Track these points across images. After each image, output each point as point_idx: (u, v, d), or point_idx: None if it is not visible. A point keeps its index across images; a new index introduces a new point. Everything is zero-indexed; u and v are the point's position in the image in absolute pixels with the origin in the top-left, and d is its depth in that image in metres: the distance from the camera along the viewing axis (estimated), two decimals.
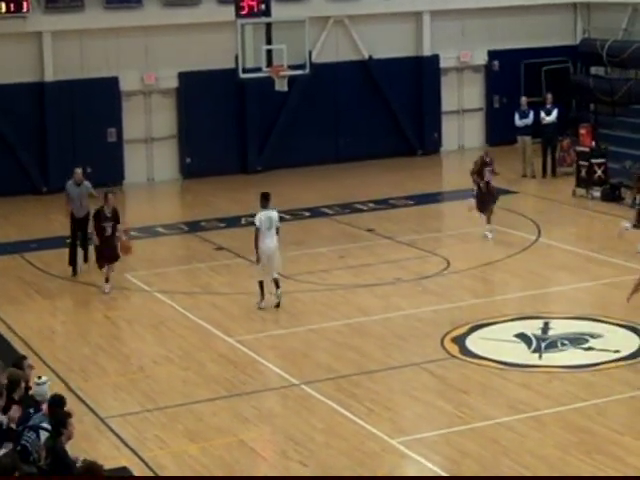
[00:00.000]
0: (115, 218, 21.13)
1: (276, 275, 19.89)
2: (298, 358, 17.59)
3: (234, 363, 17.47)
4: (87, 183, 23.20)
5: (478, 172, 24.19)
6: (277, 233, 20.04)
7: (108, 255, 21.09)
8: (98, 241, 21.05)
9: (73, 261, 22.60)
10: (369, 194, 28.87)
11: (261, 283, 19.83)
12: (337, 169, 31.71)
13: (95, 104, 29.95)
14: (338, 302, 20.38)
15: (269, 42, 30.75)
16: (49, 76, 29.76)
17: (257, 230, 19.96)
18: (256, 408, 15.76)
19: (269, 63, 30.16)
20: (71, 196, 22.99)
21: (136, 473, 13.67)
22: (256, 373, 17.04)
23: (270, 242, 19.87)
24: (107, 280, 21.07)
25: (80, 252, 22.80)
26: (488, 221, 24.27)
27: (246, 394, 16.19)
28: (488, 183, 24.12)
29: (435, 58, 34.02)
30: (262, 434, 15.14)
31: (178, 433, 15.19)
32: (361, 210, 27.63)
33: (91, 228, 21.47)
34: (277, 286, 19.80)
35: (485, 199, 24.16)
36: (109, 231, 20.96)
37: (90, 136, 29.98)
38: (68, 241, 23.09)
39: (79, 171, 23.40)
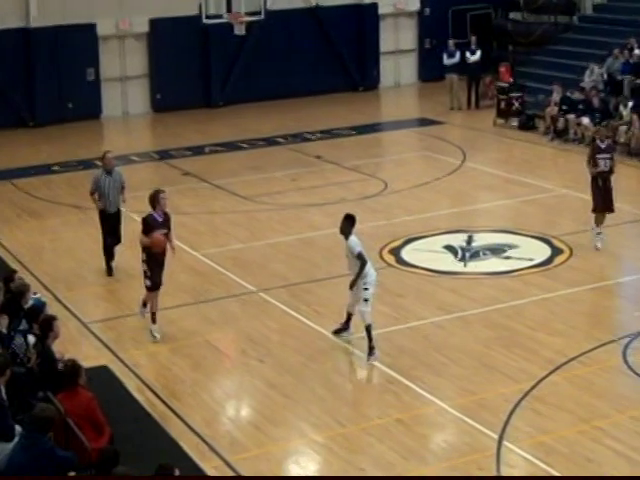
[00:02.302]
0: (168, 225, 14.72)
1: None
2: (256, 269, 17.51)
3: (200, 274, 17.37)
4: (119, 171, 17.43)
5: None
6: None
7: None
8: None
9: (109, 260, 17.24)
10: (317, 125, 28.68)
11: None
12: (289, 103, 31.33)
13: (75, 47, 29.45)
14: (291, 220, 20.29)
15: None
16: (34, 22, 29.08)
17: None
18: (219, 313, 15.72)
19: (229, 10, 29.91)
20: (102, 188, 16.87)
21: (115, 371, 13.60)
22: (219, 282, 16.93)
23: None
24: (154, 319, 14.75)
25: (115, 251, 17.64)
26: None
27: (210, 301, 16.12)
28: None
29: (374, 5, 33.62)
30: (225, 335, 15.14)
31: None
32: (310, 139, 27.41)
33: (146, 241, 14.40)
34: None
35: None
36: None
37: (71, 76, 29.50)
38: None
39: (110, 155, 17.34)
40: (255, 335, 14.74)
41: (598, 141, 17.27)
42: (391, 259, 17.71)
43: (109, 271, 17.32)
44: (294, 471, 11.40)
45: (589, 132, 25.04)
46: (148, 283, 14.53)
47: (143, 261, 14.53)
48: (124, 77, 31.03)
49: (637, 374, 13.03)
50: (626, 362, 13.37)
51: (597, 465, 11.01)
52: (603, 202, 17.33)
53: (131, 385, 13.27)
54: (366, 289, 13.66)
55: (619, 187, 21.00)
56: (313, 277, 17.01)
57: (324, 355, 14.08)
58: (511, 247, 18.04)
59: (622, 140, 24.22)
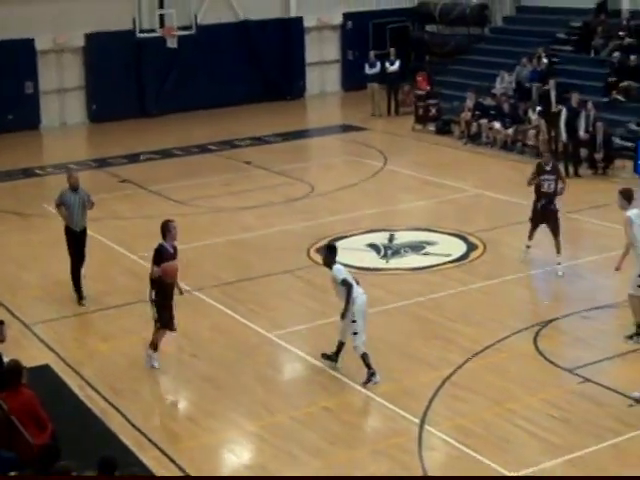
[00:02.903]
0: (176, 256, 13.50)
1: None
2: (191, 269, 17.27)
3: (137, 275, 17.09)
4: (84, 189, 16.37)
5: None
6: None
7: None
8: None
9: (77, 286, 16.00)
10: (247, 132, 28.57)
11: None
12: (221, 112, 31.20)
13: (14, 61, 29.05)
14: (224, 222, 20.21)
15: (161, 7, 30.45)
16: None
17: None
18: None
19: (161, 25, 29.84)
20: (67, 205, 15.88)
21: (57, 369, 13.43)
22: None
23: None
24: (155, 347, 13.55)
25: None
26: None
27: (147, 301, 15.91)
28: None
29: (299, 19, 33.65)
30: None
31: (92, 334, 15.00)
32: (240, 146, 27.33)
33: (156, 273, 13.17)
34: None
35: None
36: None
37: (11, 88, 29.02)
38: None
39: (75, 174, 16.56)
40: (190, 332, 14.62)
41: (543, 163, 16.53)
42: (318, 258, 17.66)
43: (80, 298, 15.85)
44: (229, 459, 11.37)
45: (500, 135, 25.40)
46: (159, 322, 13.28)
47: (152, 301, 13.27)
48: (62, 89, 30.58)
49: (547, 359, 13.21)
50: (537, 348, 13.55)
51: (511, 445, 11.16)
52: (542, 220, 16.40)
53: (72, 383, 13.10)
54: (354, 321, 12.60)
55: (526, 185, 21.31)
56: (245, 276, 16.95)
57: (256, 350, 14.05)
58: (430, 244, 18.17)
59: (531, 143, 24.57)
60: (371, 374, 12.55)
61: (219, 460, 11.36)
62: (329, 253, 13.03)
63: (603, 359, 13.19)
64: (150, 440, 11.53)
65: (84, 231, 16.06)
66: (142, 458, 11.03)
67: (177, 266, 13.24)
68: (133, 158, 26.24)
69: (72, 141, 29.73)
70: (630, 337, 13.51)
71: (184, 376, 13.48)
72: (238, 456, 11.42)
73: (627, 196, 13.73)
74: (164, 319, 13.30)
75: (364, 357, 12.60)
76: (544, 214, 16.22)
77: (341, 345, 13.03)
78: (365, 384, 12.52)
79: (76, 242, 16.01)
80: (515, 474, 10.49)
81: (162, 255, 13.10)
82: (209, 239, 19.10)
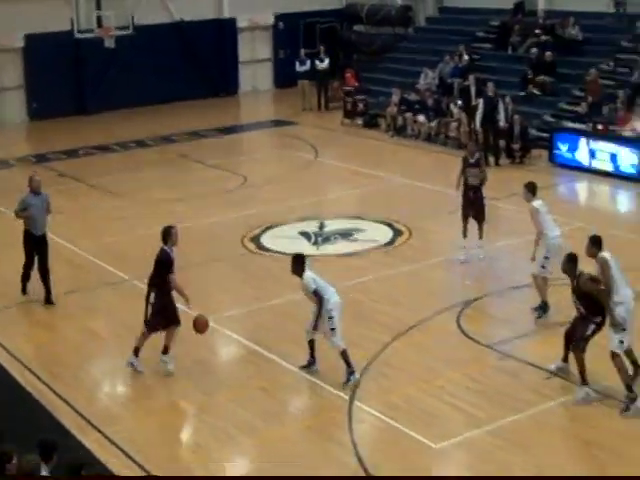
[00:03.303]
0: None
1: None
2: (129, 259, 17.21)
3: (78, 266, 17.01)
4: (45, 193, 15.56)
5: None
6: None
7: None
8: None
9: (25, 280, 15.35)
10: (183, 128, 28.36)
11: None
12: (158, 109, 30.91)
13: None
14: (160, 213, 19.91)
15: (99, 8, 30.07)
16: None
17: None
18: (96, 300, 15.42)
19: (99, 25, 29.51)
20: (31, 209, 15.03)
21: (2, 360, 13.22)
22: (96, 273, 16.60)
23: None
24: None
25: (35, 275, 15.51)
26: None
27: (88, 290, 15.79)
28: None
29: (233, 20, 33.45)
30: (102, 320, 14.80)
31: (36, 325, 14.76)
32: (177, 141, 27.12)
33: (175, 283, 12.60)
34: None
35: None
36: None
37: None
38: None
39: (37, 178, 15.53)
40: (129, 320, 14.43)
41: (468, 156, 16.26)
42: (252, 246, 17.69)
43: (24, 289, 15.34)
44: (167, 439, 11.28)
45: (424, 128, 25.57)
46: (149, 325, 12.51)
47: (150, 303, 12.48)
48: (2, 88, 30.03)
49: (469, 337, 13.35)
50: (459, 327, 13.68)
51: (436, 418, 11.26)
52: (471, 210, 16.26)
53: (14, 369, 12.91)
54: (330, 318, 11.94)
55: (449, 174, 21.47)
56: (182, 264, 16.74)
57: (193, 334, 13.89)
58: (358, 231, 18.23)
59: (453, 135, 24.79)
60: (350, 373, 11.96)
61: (158, 440, 11.25)
62: (296, 262, 12.27)
63: (520, 336, 13.36)
64: (91, 423, 11.41)
65: (44, 236, 15.27)
66: (83, 441, 10.93)
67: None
68: (72, 154, 25.88)
69: (12, 138, 29.08)
70: (538, 316, 13.72)
71: (124, 361, 13.32)
72: (176, 436, 11.36)
73: (531, 189, 13.95)
74: (165, 318, 12.48)
75: (343, 354, 11.97)
76: (472, 203, 16.22)
77: (312, 345, 12.35)
78: (345, 384, 11.89)
79: (37, 247, 15.15)
80: (439, 445, 10.60)
81: (168, 260, 12.37)
82: (147, 230, 18.76)
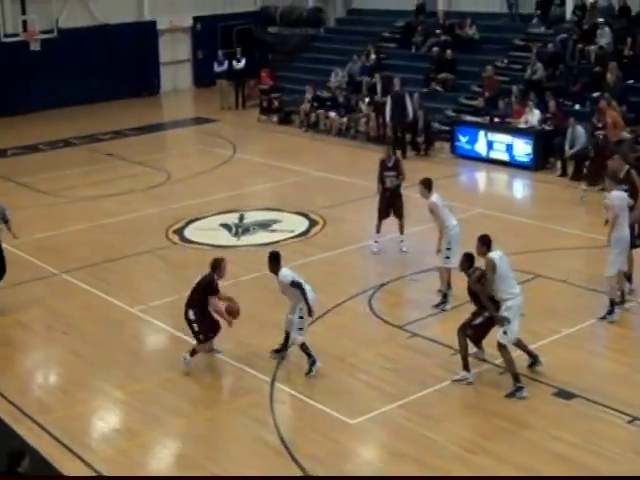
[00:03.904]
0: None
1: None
2: (58, 254, 16.92)
3: (9, 262, 16.52)
4: (2, 204, 14.88)
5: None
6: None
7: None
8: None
9: None
10: (108, 127, 27.92)
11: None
12: (83, 109, 30.34)
13: None
14: (88, 209, 19.70)
15: (24, 13, 29.36)
16: None
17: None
18: (27, 294, 15.09)
19: (25, 29, 28.83)
20: None
21: None
22: (26, 268, 16.20)
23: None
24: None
25: None
26: None
27: (20, 284, 15.43)
28: None
29: (153, 23, 33.03)
30: (34, 314, 14.46)
31: None
32: (102, 139, 26.69)
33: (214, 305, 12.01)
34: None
35: None
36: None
37: None
38: None
39: None
40: (60, 312, 14.28)
41: (385, 159, 15.97)
42: (176, 238, 17.53)
43: None
44: (98, 425, 11.12)
45: (336, 123, 25.64)
46: (202, 335, 12.05)
47: (191, 321, 11.96)
48: None
49: (380, 318, 13.47)
50: (372, 309, 13.79)
51: (351, 395, 11.32)
52: (389, 210, 16.09)
53: None
54: (301, 317, 11.72)
55: (360, 166, 21.69)
56: (109, 257, 16.60)
57: (121, 325, 13.79)
58: (276, 222, 18.20)
59: (362, 129, 24.93)
60: (312, 363, 11.70)
61: (90, 427, 11.10)
62: (272, 261, 11.82)
63: (428, 316, 13.51)
64: (24, 412, 11.19)
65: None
66: (17, 429, 10.72)
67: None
68: (1, 154, 25.28)
69: None
70: (437, 305, 13.75)
71: (56, 352, 13.15)
72: (107, 422, 11.20)
73: (427, 185, 13.83)
74: (209, 328, 12.08)
75: (302, 347, 11.76)
76: (390, 204, 16.03)
77: (287, 335, 12.13)
78: (307, 374, 11.68)
79: None
80: (356, 420, 10.67)
81: (212, 287, 11.89)
82: (75, 226, 18.61)
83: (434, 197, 13.76)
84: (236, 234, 17.65)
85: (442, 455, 9.95)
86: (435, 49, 26.50)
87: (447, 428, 10.46)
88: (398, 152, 22.15)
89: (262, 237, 17.37)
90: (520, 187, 21.38)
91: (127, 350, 12.91)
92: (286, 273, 11.76)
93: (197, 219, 18.54)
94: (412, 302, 14.41)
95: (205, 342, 12.12)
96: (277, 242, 16.93)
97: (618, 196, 12.92)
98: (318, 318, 13.39)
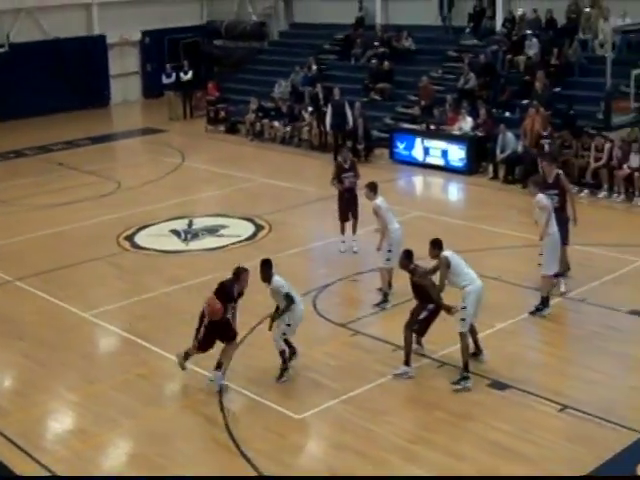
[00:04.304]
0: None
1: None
2: (12, 262, 16.65)
3: None
4: None
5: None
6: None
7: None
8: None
9: None
10: (60, 138, 27.54)
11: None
12: (36, 121, 29.89)
13: None
14: (41, 218, 19.40)
15: None
16: None
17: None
18: None
19: None
20: None
21: None
22: None
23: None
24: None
25: None
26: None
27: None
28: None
29: (103, 37, 32.71)
30: None
31: None
32: (54, 150, 26.32)
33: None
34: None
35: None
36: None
37: None
38: None
39: None
40: (15, 318, 14.02)
41: (341, 161, 16.00)
42: (127, 244, 17.35)
43: None
44: (53, 427, 10.95)
45: (280, 132, 25.63)
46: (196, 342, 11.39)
47: (203, 327, 11.25)
48: None
49: (324, 318, 13.47)
50: (316, 309, 13.78)
51: (297, 392, 11.29)
52: (348, 210, 16.13)
53: None
54: (288, 325, 11.45)
55: (303, 173, 21.74)
56: (63, 264, 16.36)
57: (75, 329, 13.60)
58: (223, 227, 18.11)
59: (305, 137, 24.97)
60: (284, 369, 11.49)
61: (45, 429, 10.93)
62: (264, 269, 11.40)
63: (369, 314, 13.56)
64: None
65: None
66: None
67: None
68: None
69: None
70: (378, 303, 13.80)
71: (10, 357, 12.89)
72: (62, 424, 11.03)
73: (373, 188, 13.92)
74: (232, 333, 11.37)
75: (282, 354, 11.51)
76: (349, 204, 16.07)
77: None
78: (278, 380, 11.46)
79: None
80: (301, 415, 10.66)
81: (229, 292, 11.20)
82: (28, 234, 18.31)
83: (379, 200, 13.85)
84: (185, 239, 17.54)
85: (384, 447, 9.99)
86: (373, 60, 26.65)
87: (389, 421, 10.50)
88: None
89: (210, 242, 17.27)
90: (455, 190, 21.58)
91: (81, 354, 12.73)
92: (280, 283, 11.36)
93: (147, 226, 18.37)
94: (354, 301, 14.46)
95: (196, 349, 11.37)
96: (225, 247, 16.88)
97: (545, 197, 13.12)
98: (264, 319, 13.36)
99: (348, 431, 10.35)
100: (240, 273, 11.36)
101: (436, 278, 11.42)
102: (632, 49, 22.17)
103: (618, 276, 14.48)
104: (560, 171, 14.06)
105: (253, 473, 9.62)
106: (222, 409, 10.90)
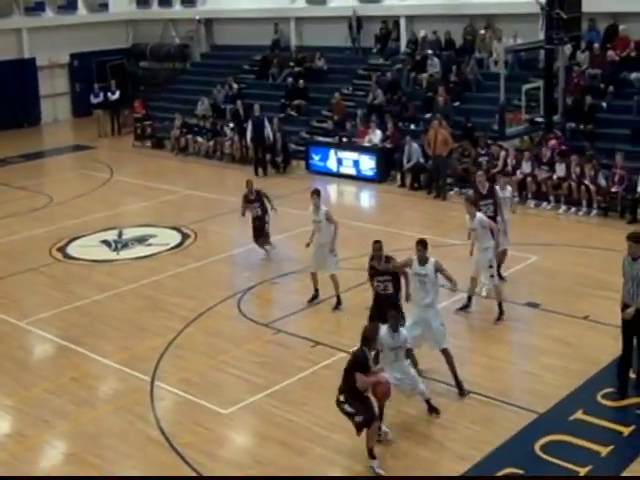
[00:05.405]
0: None
1: None
2: None
3: None
4: None
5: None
6: None
7: None
8: None
9: None
10: None
11: None
12: None
13: None
14: None
15: None
16: None
17: None
18: None
19: None
20: None
21: None
22: None
23: None
24: None
25: None
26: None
27: None
28: None
29: (33, 60, 31.89)
30: None
31: None
32: None
33: None
34: None
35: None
36: None
37: None
38: None
39: None
40: None
41: (248, 194, 15.72)
42: (59, 255, 16.95)
43: None
44: None
45: (203, 146, 25.45)
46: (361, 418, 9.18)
47: (345, 401, 9.22)
48: None
49: (248, 318, 13.41)
50: (240, 311, 13.72)
51: (224, 388, 11.23)
52: (256, 236, 15.89)
53: None
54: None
55: (225, 184, 21.61)
56: None
57: (9, 337, 13.23)
58: (152, 237, 17.86)
59: (227, 151, 24.83)
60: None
61: None
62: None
63: (290, 314, 13.54)
64: None
65: None
66: None
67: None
68: None
69: None
70: (310, 300, 13.73)
71: None
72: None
73: (319, 194, 13.93)
74: (365, 408, 9.24)
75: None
76: (257, 229, 15.89)
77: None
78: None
79: None
80: (228, 410, 10.59)
81: (363, 364, 9.18)
82: None
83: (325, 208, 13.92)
84: (116, 249, 17.24)
85: (306, 436, 9.98)
86: (289, 79, 26.69)
87: (309, 411, 10.50)
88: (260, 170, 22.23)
89: (139, 251, 17.03)
90: (367, 197, 21.75)
91: (15, 360, 12.39)
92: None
93: (79, 237, 18.00)
94: (275, 302, 14.44)
95: (369, 425, 9.20)
96: (154, 255, 16.66)
97: (484, 215, 13.03)
98: (192, 322, 13.32)
99: (271, 423, 10.32)
100: (374, 336, 9.28)
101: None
102: (523, 66, 22.72)
103: (514, 272, 14.80)
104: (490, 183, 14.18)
105: (184, 465, 9.51)
106: (153, 408, 10.75)
